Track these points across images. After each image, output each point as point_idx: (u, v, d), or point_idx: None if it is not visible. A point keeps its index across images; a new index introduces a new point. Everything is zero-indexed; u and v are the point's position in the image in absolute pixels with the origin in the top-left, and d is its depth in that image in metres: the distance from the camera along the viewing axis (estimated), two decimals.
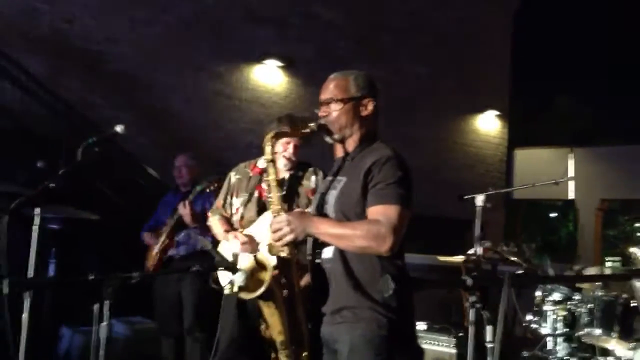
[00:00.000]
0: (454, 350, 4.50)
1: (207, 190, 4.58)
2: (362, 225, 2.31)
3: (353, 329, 2.33)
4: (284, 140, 3.64)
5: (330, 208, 2.44)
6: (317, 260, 2.47)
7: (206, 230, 4.44)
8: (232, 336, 3.72)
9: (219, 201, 3.89)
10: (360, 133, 2.51)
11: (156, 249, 4.84)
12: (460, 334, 4.49)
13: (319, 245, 2.46)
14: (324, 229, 2.36)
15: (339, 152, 2.57)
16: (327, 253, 2.43)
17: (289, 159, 3.60)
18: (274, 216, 2.48)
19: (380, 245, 2.27)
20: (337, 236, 2.35)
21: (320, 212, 2.49)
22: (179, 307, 4.77)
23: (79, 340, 5.31)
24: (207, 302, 4.44)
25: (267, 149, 2.52)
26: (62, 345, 5.44)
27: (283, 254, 2.46)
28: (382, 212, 2.30)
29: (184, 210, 4.64)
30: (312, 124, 2.51)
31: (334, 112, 2.49)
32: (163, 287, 4.83)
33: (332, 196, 2.46)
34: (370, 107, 2.52)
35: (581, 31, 13.58)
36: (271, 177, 2.53)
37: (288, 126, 3.63)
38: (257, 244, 3.59)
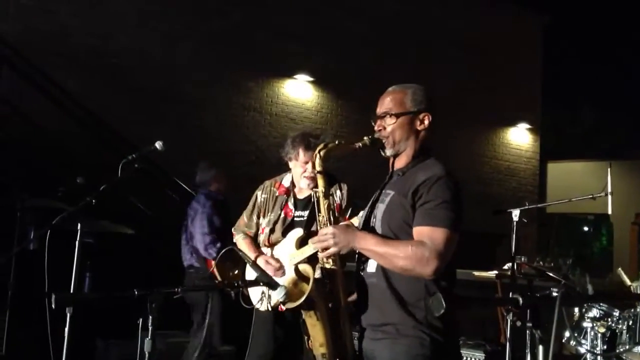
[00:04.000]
0: None
1: None
2: (406, 246, 2.26)
3: (395, 345, 2.30)
4: (302, 160, 3.65)
5: (377, 222, 2.41)
6: (361, 274, 2.44)
7: None
8: (264, 355, 3.72)
9: (243, 219, 3.91)
10: (414, 148, 2.45)
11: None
12: (496, 350, 4.42)
13: (364, 258, 2.42)
14: (368, 245, 2.33)
15: (393, 166, 2.51)
16: (371, 267, 2.40)
17: (311, 178, 3.59)
18: (321, 227, 2.48)
19: (423, 269, 2.23)
20: (380, 254, 2.31)
21: (368, 224, 2.46)
22: None
23: (113, 353, 5.36)
24: None
25: (317, 161, 2.50)
26: (98, 357, 5.50)
27: (328, 266, 2.44)
28: (428, 235, 2.25)
29: None
30: (365, 138, 2.46)
31: (388, 127, 2.44)
32: None
33: (379, 210, 2.42)
34: (426, 122, 2.46)
35: (613, 42, 13.42)
36: (320, 188, 2.51)
37: (302, 144, 3.65)
38: (283, 269, 3.61)
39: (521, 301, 1.53)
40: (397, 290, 2.32)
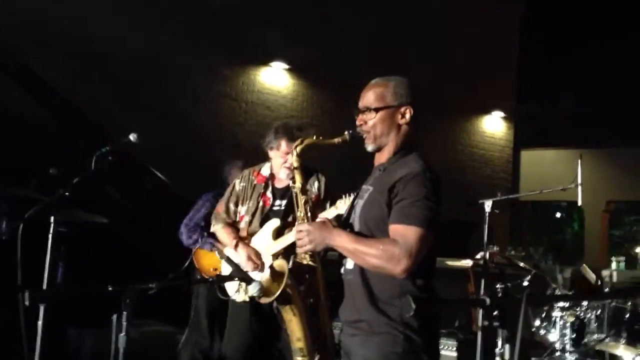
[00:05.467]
0: (458, 354, 4.49)
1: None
2: (378, 245, 2.25)
3: (367, 342, 2.31)
4: (283, 150, 3.66)
5: (356, 218, 2.41)
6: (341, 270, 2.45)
7: None
8: (240, 344, 3.74)
9: (221, 206, 3.91)
10: (396, 143, 2.41)
11: None
12: (469, 338, 4.48)
13: (343, 255, 2.42)
14: (341, 242, 2.32)
15: (376, 161, 2.49)
16: (349, 264, 2.41)
17: (290, 169, 3.60)
18: (298, 223, 2.48)
19: (393, 267, 2.21)
20: (353, 252, 2.31)
21: (348, 220, 2.47)
22: None
23: (87, 342, 5.34)
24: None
25: (294, 157, 2.49)
26: (71, 346, 5.47)
27: (305, 262, 2.45)
28: (401, 233, 2.23)
29: None
30: (346, 133, 2.44)
31: (369, 121, 2.41)
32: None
33: (359, 206, 2.42)
34: (407, 115, 2.41)
35: (588, 32, 13.56)
36: (297, 184, 2.52)
37: (285, 136, 3.66)
38: (263, 263, 3.63)
39: (488, 302, 1.57)
40: (371, 287, 2.32)
